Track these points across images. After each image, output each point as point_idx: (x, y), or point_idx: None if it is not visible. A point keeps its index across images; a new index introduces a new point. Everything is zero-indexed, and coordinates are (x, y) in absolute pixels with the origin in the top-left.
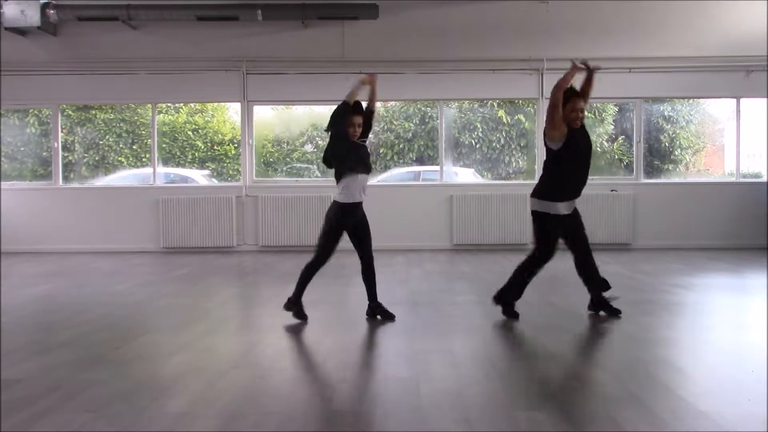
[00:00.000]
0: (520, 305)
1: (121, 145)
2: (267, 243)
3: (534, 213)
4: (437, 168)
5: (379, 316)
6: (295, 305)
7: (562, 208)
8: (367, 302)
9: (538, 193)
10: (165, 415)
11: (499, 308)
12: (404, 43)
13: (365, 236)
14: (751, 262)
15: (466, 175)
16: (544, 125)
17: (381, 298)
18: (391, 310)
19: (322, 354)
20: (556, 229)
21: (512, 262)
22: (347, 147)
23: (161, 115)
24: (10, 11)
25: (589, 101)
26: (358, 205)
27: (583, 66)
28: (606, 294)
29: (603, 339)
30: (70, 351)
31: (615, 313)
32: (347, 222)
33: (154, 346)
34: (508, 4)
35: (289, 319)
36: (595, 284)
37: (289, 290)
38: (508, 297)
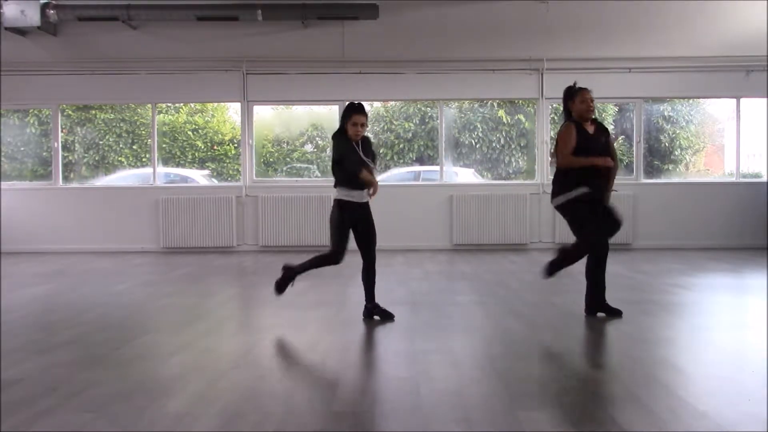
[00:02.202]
0: (521, 305)
1: (121, 145)
2: (267, 243)
3: (558, 207)
4: (437, 168)
5: (377, 317)
6: (287, 272)
7: (584, 189)
8: (365, 303)
9: (557, 191)
10: (165, 415)
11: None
12: (404, 43)
13: (369, 237)
14: (751, 262)
15: (466, 175)
16: (557, 147)
17: (381, 298)
18: (391, 310)
19: (322, 354)
20: (587, 208)
21: (512, 262)
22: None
23: (161, 115)
24: (10, 11)
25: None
26: (357, 204)
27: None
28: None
29: (603, 339)
30: (70, 351)
31: (616, 314)
32: (347, 218)
33: (154, 346)
34: (508, 4)
35: (289, 319)
36: (598, 292)
37: (289, 290)
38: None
